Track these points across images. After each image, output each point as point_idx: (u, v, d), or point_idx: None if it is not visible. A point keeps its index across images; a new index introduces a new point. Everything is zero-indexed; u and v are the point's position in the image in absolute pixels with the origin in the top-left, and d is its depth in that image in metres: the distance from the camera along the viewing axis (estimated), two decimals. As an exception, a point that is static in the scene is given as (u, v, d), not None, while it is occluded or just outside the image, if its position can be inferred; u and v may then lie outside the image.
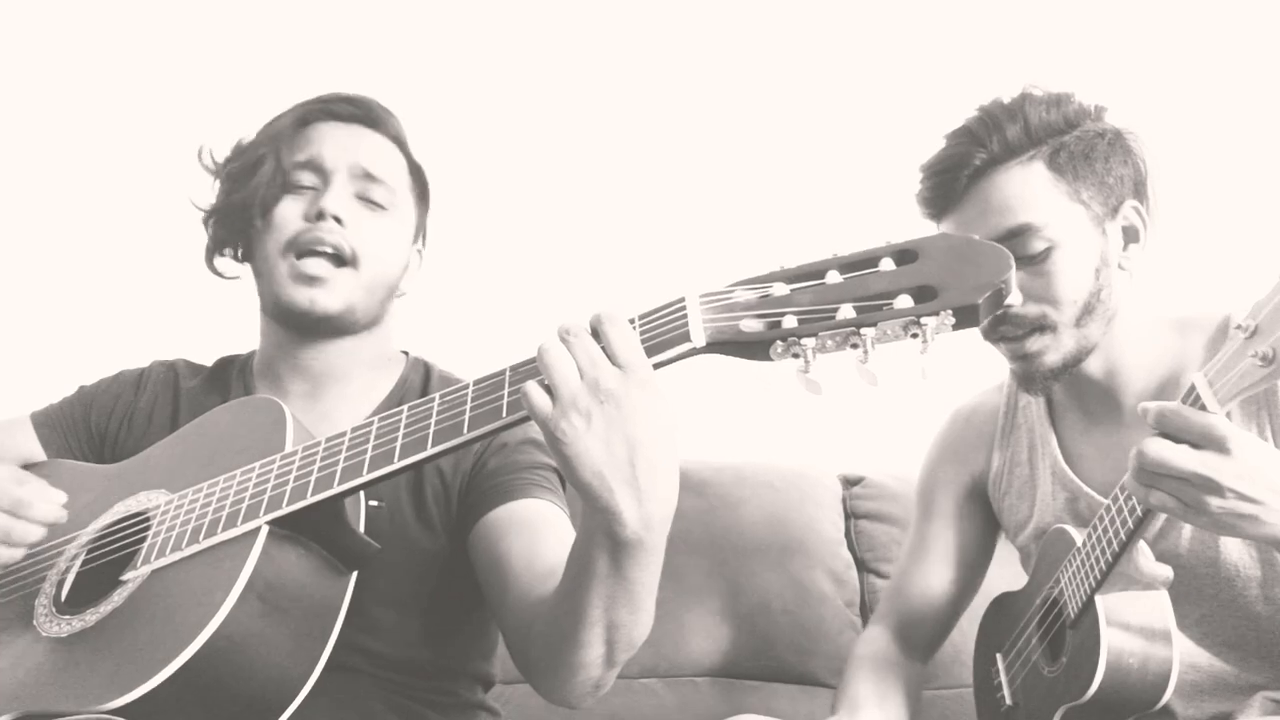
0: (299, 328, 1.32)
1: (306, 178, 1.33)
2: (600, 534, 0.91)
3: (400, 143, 1.41)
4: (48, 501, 1.12)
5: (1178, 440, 1.02)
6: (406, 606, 1.25)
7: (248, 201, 1.31)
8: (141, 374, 1.45)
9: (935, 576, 1.53)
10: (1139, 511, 1.12)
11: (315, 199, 1.31)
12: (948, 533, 1.55)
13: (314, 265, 1.28)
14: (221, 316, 1.61)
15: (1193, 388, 1.03)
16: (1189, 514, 1.04)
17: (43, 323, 2.17)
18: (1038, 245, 1.26)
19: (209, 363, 1.48)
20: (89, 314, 2.17)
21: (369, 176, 1.33)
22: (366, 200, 1.33)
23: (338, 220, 1.29)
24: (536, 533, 1.19)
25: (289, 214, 1.31)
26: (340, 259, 1.29)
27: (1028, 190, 1.27)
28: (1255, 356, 0.96)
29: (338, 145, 1.34)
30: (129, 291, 2.18)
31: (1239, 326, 0.98)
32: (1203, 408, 1.01)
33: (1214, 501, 1.01)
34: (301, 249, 1.29)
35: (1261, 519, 1.02)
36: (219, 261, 1.40)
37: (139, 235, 2.18)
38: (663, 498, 0.89)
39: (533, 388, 0.88)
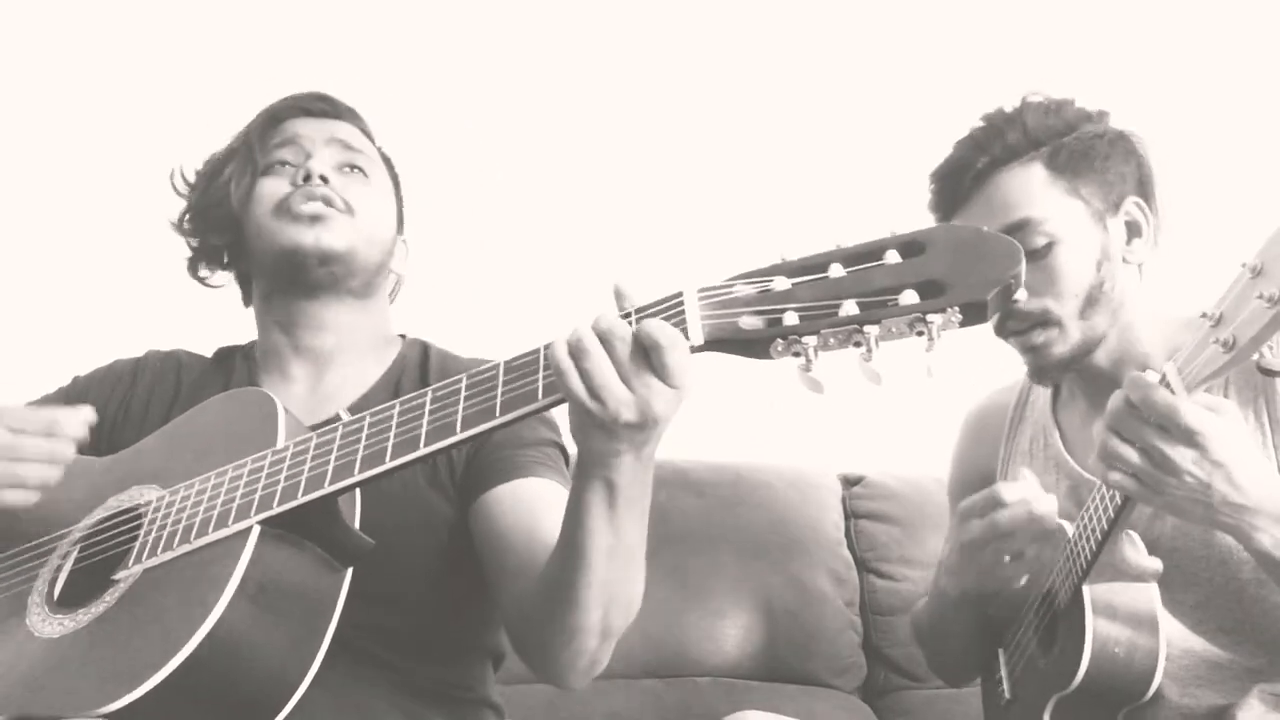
0: (304, 281, 1.32)
1: (286, 155, 1.36)
2: (598, 480, 0.94)
3: (369, 135, 1.44)
4: (73, 419, 1.13)
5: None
6: (419, 574, 1.24)
7: (222, 193, 1.35)
8: (137, 363, 1.44)
9: None
10: (1119, 499, 1.14)
11: (298, 172, 1.33)
12: None
13: (312, 206, 1.31)
14: (218, 308, 1.60)
15: (1164, 375, 1.05)
16: (1145, 493, 1.07)
17: (37, 314, 2.15)
18: (1038, 240, 1.30)
19: (208, 353, 1.46)
20: (84, 305, 2.15)
21: (348, 147, 1.37)
22: (349, 166, 1.37)
23: (324, 179, 1.32)
24: (537, 512, 1.19)
25: (272, 188, 1.33)
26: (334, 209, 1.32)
27: (1027, 188, 1.32)
28: (1217, 343, 0.98)
29: (312, 128, 1.38)
30: (125, 282, 2.16)
31: (1205, 315, 1.01)
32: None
33: (1171, 482, 1.04)
34: (294, 204, 1.31)
35: (1214, 506, 1.05)
36: (204, 271, 1.45)
37: (135, 227, 2.14)
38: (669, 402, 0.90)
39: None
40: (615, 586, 1.02)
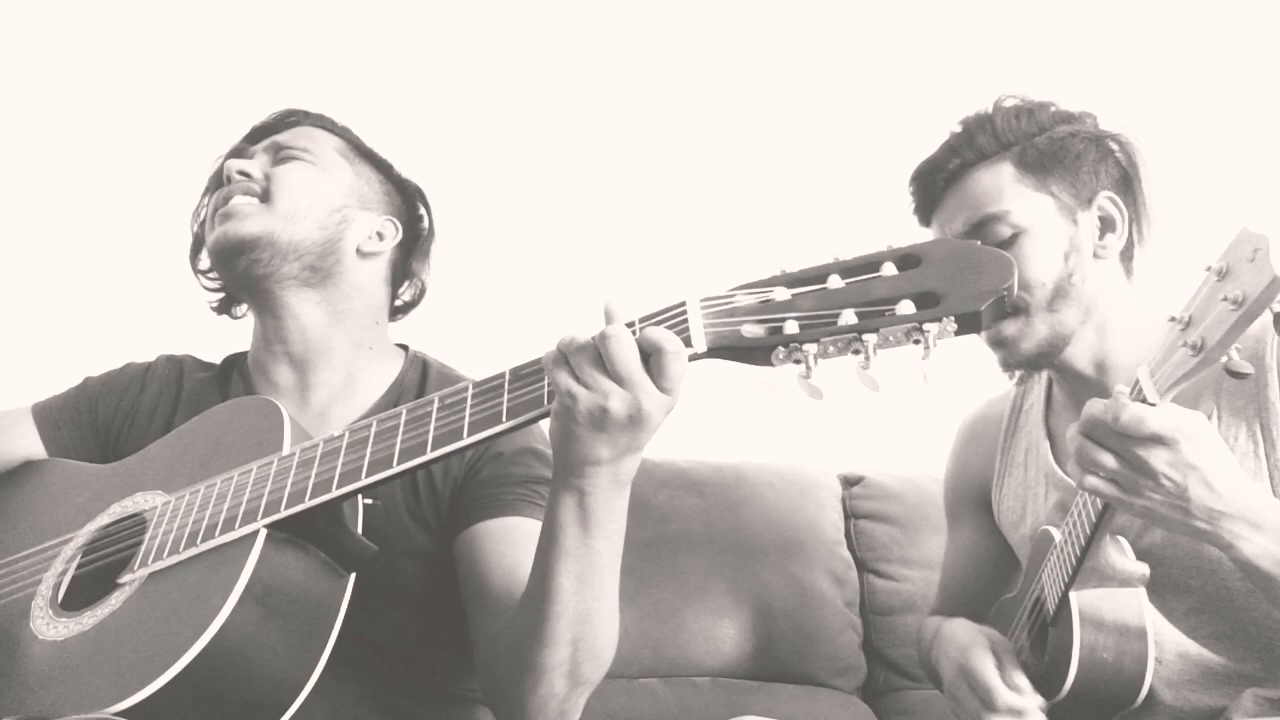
0: (239, 276, 1.35)
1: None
2: (571, 496, 0.96)
3: (327, 127, 1.46)
4: None
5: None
6: (405, 601, 1.25)
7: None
8: (147, 368, 1.44)
9: (971, 580, 1.59)
10: (1099, 505, 1.14)
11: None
12: (973, 540, 1.59)
13: (224, 209, 1.35)
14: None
15: (1137, 380, 1.06)
16: (1122, 498, 1.07)
17: (50, 313, 2.15)
18: (1004, 231, 1.33)
19: (218, 359, 1.47)
20: (97, 305, 2.16)
21: (285, 146, 1.40)
22: (280, 158, 1.40)
23: (245, 175, 1.36)
24: (521, 551, 1.18)
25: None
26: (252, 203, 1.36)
27: (994, 186, 1.35)
28: (1186, 346, 0.99)
29: (264, 142, 1.43)
30: (138, 284, 2.17)
31: (1174, 318, 1.01)
32: (1144, 398, 1.04)
33: (1148, 485, 1.04)
34: (214, 206, 1.37)
35: (1191, 512, 1.05)
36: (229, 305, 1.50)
37: (150, 227, 2.16)
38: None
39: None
40: (585, 627, 1.01)
